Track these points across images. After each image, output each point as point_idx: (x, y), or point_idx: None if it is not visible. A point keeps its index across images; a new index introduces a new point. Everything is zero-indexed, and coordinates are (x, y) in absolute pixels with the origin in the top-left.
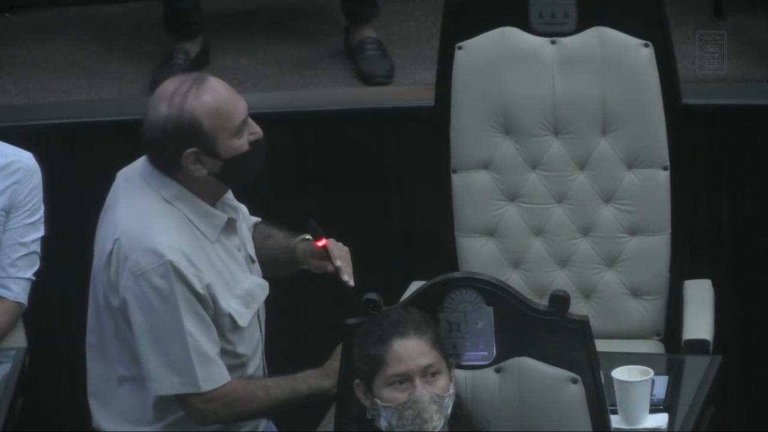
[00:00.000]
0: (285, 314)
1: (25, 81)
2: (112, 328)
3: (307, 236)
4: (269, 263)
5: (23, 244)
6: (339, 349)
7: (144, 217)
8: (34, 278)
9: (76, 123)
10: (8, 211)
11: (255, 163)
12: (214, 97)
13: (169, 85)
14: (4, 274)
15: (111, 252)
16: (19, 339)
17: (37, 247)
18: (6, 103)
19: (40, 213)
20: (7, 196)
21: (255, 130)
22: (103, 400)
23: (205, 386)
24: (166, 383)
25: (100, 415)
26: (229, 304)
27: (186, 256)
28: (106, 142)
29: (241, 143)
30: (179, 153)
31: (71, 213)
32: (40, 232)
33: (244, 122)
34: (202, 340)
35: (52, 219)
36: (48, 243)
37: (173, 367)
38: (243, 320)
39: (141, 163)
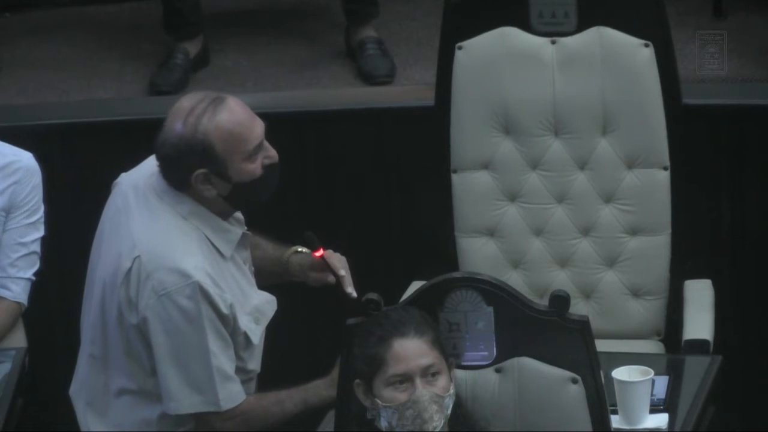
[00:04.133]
0: (284, 315)
1: (25, 81)
2: (122, 342)
3: (300, 248)
4: (256, 274)
5: (23, 244)
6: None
7: (165, 235)
8: (34, 278)
9: (76, 123)
10: (8, 211)
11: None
12: (230, 119)
13: (186, 102)
14: (4, 274)
15: (130, 270)
16: (19, 339)
17: (37, 247)
18: (6, 103)
19: (40, 213)
20: (7, 196)
21: (270, 154)
22: (100, 412)
23: (225, 405)
24: (186, 402)
25: (95, 426)
26: (243, 321)
27: (210, 276)
28: (106, 142)
29: (255, 167)
30: (189, 172)
31: (71, 213)
32: (40, 232)
33: (259, 146)
34: (224, 359)
35: (52, 219)
36: (48, 243)
37: (195, 386)
38: (255, 337)
39: (150, 174)
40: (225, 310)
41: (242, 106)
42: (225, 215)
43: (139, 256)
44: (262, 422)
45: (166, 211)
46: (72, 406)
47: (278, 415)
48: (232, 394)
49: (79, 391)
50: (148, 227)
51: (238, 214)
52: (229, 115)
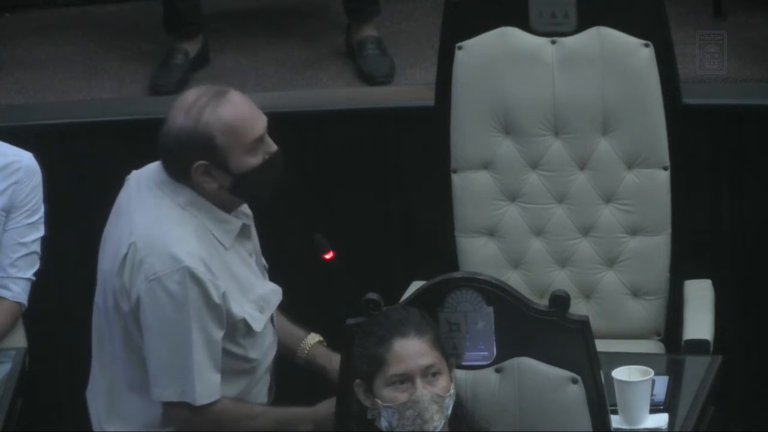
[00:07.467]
0: (284, 314)
1: (25, 81)
2: (121, 333)
3: (320, 340)
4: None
5: (23, 244)
6: (334, 400)
7: (161, 222)
8: (34, 278)
9: (76, 123)
10: (8, 211)
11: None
12: (231, 112)
13: (190, 95)
14: (4, 274)
15: (125, 256)
16: (19, 339)
17: (37, 247)
18: (6, 103)
19: (40, 213)
20: (7, 196)
21: (270, 149)
22: (114, 410)
23: (201, 399)
24: (167, 390)
25: (107, 422)
26: (244, 309)
27: (204, 262)
28: (105, 142)
29: (255, 160)
30: (189, 164)
31: (71, 213)
32: (40, 232)
33: (260, 139)
34: (205, 352)
35: (52, 219)
36: (48, 243)
37: (174, 375)
38: (258, 325)
39: (154, 167)
40: (216, 299)
41: (245, 99)
42: (229, 208)
43: (134, 242)
44: (229, 429)
45: (163, 200)
46: (71, 405)
47: (246, 428)
48: (209, 391)
49: (91, 390)
50: (146, 215)
51: (247, 209)
52: (231, 108)
